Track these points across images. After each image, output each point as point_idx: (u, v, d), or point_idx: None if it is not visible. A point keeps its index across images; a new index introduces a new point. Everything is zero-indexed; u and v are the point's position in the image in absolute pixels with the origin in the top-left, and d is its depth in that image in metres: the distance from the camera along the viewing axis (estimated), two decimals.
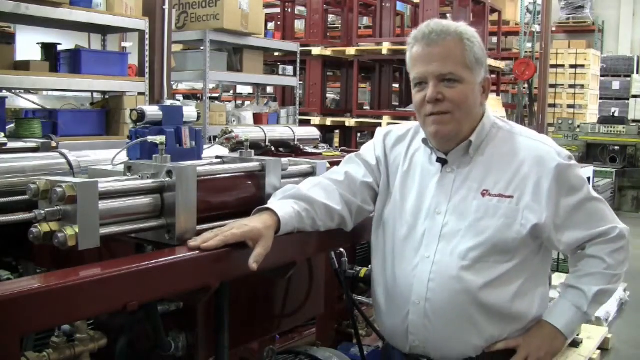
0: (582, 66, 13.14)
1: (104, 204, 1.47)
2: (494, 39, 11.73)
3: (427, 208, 1.80)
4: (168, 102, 4.17)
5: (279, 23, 10.58)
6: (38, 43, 5.62)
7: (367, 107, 11.00)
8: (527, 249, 1.76)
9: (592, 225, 1.79)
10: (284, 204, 1.75)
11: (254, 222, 1.65)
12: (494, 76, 10.47)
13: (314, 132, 3.47)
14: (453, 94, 1.72)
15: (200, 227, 1.64)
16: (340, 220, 1.88)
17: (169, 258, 1.49)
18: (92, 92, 6.21)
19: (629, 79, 14.04)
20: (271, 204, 1.74)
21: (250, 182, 1.87)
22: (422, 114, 1.78)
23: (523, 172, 1.74)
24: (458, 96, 1.72)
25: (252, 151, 2.01)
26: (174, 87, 8.88)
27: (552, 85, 12.53)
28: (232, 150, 2.56)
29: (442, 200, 1.79)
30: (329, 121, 9.67)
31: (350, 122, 9.48)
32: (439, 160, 1.82)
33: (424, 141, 1.85)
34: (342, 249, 2.59)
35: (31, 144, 2.43)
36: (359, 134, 10.27)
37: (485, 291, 1.73)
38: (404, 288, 1.80)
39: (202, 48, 6.72)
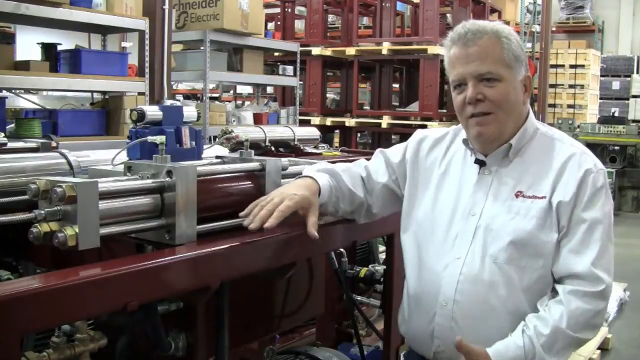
0: (582, 66, 13.12)
1: (104, 204, 1.47)
2: None
3: (462, 209, 1.78)
4: (168, 102, 4.17)
5: (279, 23, 10.57)
6: (38, 43, 5.62)
7: (367, 107, 10.99)
8: None
9: (582, 250, 1.66)
10: (321, 176, 1.83)
11: (301, 190, 1.73)
12: None
13: (314, 132, 3.47)
14: (493, 93, 1.69)
15: (200, 227, 1.65)
16: (358, 206, 1.92)
17: (169, 258, 1.49)
18: (92, 92, 6.21)
19: (629, 79, 14.01)
20: (311, 173, 1.82)
21: (250, 182, 1.87)
22: (463, 117, 1.75)
23: (557, 174, 1.71)
24: (498, 95, 1.70)
25: (252, 151, 2.00)
26: (174, 87, 8.87)
27: (552, 85, 12.51)
28: (232, 150, 2.56)
29: (478, 202, 1.77)
30: (329, 121, 9.67)
31: (350, 122, 9.47)
32: (477, 161, 1.80)
33: (464, 142, 1.84)
34: (342, 249, 2.59)
35: (31, 144, 2.42)
36: (359, 134, 10.27)
37: (518, 298, 1.70)
38: (432, 289, 1.78)
39: (202, 48, 6.72)
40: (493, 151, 1.78)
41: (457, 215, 1.79)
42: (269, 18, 10.35)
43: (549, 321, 1.64)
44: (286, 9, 10.36)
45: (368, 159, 2.04)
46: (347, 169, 1.94)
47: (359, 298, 2.97)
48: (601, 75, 13.91)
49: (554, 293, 1.70)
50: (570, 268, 1.67)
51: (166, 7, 5.95)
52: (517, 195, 1.73)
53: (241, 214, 1.72)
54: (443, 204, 1.82)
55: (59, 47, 5.56)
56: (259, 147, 2.97)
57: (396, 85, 10.89)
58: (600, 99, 13.95)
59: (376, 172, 1.96)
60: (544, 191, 1.71)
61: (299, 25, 12.11)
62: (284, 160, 1.98)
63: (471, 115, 1.73)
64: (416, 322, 1.85)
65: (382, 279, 2.79)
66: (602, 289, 1.65)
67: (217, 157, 2.06)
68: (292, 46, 8.36)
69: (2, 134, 2.40)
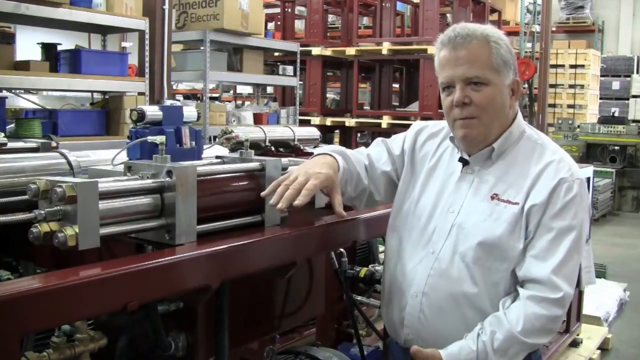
0: (582, 66, 13.13)
1: (104, 204, 1.47)
2: None
3: (442, 205, 1.82)
4: (168, 102, 4.17)
5: (279, 23, 10.58)
6: (38, 43, 5.62)
7: (367, 107, 11.00)
8: None
9: (545, 256, 1.68)
10: (337, 156, 1.84)
11: (325, 168, 1.75)
12: None
13: (314, 132, 3.47)
14: (480, 97, 1.72)
15: (200, 227, 1.65)
16: (361, 192, 1.94)
17: (169, 258, 1.49)
18: (92, 92, 6.21)
19: (629, 79, 14.02)
20: (327, 151, 1.85)
21: (250, 182, 1.87)
22: (450, 118, 1.79)
23: (532, 181, 1.73)
24: (485, 99, 1.72)
25: (252, 151, 2.01)
26: (174, 87, 8.88)
27: (552, 85, 12.52)
28: (232, 150, 2.56)
29: (457, 200, 1.80)
30: (329, 121, 9.68)
31: (350, 122, 9.48)
32: (461, 160, 1.84)
33: (451, 139, 1.87)
34: (342, 249, 2.59)
35: (31, 144, 2.42)
36: (359, 134, 10.27)
37: (481, 296, 1.73)
38: (407, 280, 1.83)
39: (202, 48, 6.72)
40: (477, 152, 1.81)
41: (437, 211, 1.83)
42: (269, 18, 10.36)
43: (505, 325, 1.67)
44: (286, 9, 10.36)
45: None
46: (353, 154, 1.97)
47: (359, 298, 2.97)
48: (601, 75, 13.92)
49: (517, 294, 1.72)
50: (531, 273, 1.69)
51: (166, 7, 5.95)
52: (492, 198, 1.75)
53: (263, 193, 1.74)
54: (426, 199, 1.86)
55: (59, 47, 5.57)
56: (259, 147, 2.97)
57: (396, 85, 10.89)
58: (600, 99, 13.95)
59: (378, 159, 1.99)
60: (519, 197, 1.73)
61: (299, 25, 12.12)
62: (284, 160, 1.98)
63: (458, 118, 1.76)
64: (391, 310, 1.91)
65: (382, 279, 2.79)
66: (560, 297, 1.66)
67: (217, 157, 2.06)
68: (292, 46, 8.36)
69: (2, 134, 2.40)
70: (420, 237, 1.84)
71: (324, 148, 1.94)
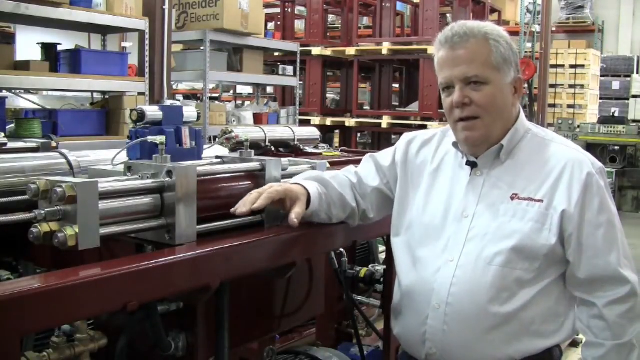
0: (582, 66, 13.12)
1: (104, 204, 1.47)
2: None
3: (454, 211, 1.77)
4: (168, 102, 4.17)
5: (279, 23, 10.57)
6: (38, 43, 5.62)
7: (367, 107, 11.00)
8: (557, 261, 1.71)
9: (604, 254, 1.69)
10: (310, 184, 1.82)
11: (290, 186, 1.75)
12: None
13: (314, 132, 3.47)
14: (480, 97, 1.68)
15: (200, 227, 1.65)
16: (351, 212, 1.92)
17: (169, 258, 1.49)
18: (92, 92, 6.21)
19: (629, 79, 14.01)
20: (299, 180, 1.83)
21: (250, 182, 1.87)
22: (451, 119, 1.75)
23: (554, 177, 1.70)
24: (485, 99, 1.69)
25: (252, 151, 2.00)
26: (174, 87, 8.87)
27: (552, 85, 12.51)
28: (232, 150, 2.56)
29: (470, 204, 1.75)
30: (329, 121, 9.67)
31: (350, 122, 9.47)
32: (468, 163, 1.79)
33: (454, 145, 1.82)
34: (342, 249, 2.59)
35: (31, 144, 2.43)
36: (359, 134, 10.27)
37: (510, 299, 1.68)
38: (425, 292, 1.76)
39: (202, 48, 6.72)
40: (483, 153, 1.77)
41: (449, 218, 1.77)
42: (269, 18, 10.35)
43: (603, 344, 1.70)
44: (286, 9, 10.36)
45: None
46: (336, 175, 1.93)
47: (359, 298, 2.97)
48: (601, 75, 13.91)
49: (587, 308, 1.73)
50: (596, 273, 1.69)
51: (166, 7, 5.95)
52: (512, 198, 1.71)
53: (232, 210, 1.70)
54: (435, 207, 1.81)
55: (59, 47, 5.56)
56: (259, 147, 2.97)
57: (396, 85, 10.89)
58: (600, 99, 13.95)
59: (366, 176, 1.95)
60: (541, 194, 1.69)
61: (299, 25, 12.12)
62: (284, 160, 1.98)
63: (459, 119, 1.72)
64: (408, 324, 1.84)
65: (382, 279, 2.79)
66: (630, 290, 1.69)
67: (217, 157, 2.06)
68: (292, 46, 8.35)
69: (2, 134, 2.40)
70: (434, 246, 1.77)
71: (301, 176, 1.90)
